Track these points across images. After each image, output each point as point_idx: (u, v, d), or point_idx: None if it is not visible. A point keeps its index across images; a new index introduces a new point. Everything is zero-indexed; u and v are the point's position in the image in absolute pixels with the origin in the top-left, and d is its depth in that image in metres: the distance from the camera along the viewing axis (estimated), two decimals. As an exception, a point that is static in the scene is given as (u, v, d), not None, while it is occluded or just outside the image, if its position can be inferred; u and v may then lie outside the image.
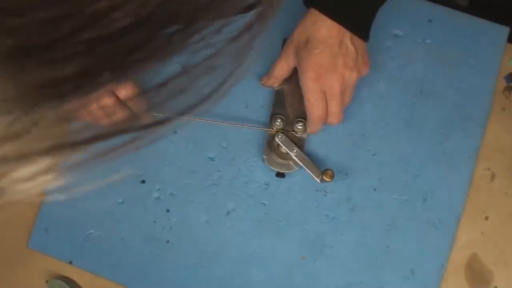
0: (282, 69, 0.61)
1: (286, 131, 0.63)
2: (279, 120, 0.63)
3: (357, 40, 0.57)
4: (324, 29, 0.55)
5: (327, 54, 0.55)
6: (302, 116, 0.63)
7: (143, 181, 0.67)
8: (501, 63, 0.65)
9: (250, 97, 0.66)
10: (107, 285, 0.66)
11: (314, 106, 0.58)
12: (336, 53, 0.55)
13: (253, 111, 0.66)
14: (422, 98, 0.65)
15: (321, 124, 0.61)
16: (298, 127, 0.63)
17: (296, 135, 0.63)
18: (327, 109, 0.59)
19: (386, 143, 0.64)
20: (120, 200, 0.67)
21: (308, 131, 0.62)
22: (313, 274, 0.63)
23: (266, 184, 0.65)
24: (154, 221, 0.66)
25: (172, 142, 0.67)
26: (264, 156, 0.64)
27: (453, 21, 0.66)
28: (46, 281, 0.67)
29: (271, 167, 0.64)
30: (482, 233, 0.63)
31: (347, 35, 0.56)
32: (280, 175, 0.64)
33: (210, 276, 0.64)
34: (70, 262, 0.67)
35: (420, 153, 0.64)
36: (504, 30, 0.65)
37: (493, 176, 0.64)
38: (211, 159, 0.66)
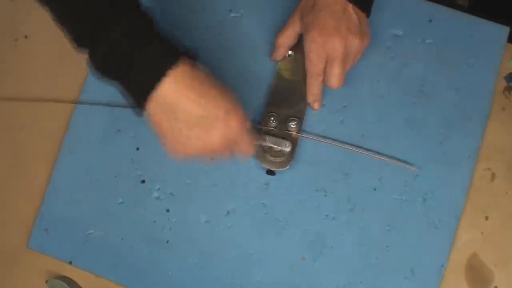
0: (287, 36, 0.63)
1: (280, 129, 0.64)
2: (272, 119, 0.64)
3: (359, 12, 0.59)
4: None
5: (331, 17, 0.58)
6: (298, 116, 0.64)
7: (143, 181, 0.67)
8: (501, 63, 0.65)
9: (250, 97, 0.66)
10: (107, 285, 0.66)
11: (314, 65, 0.60)
12: (340, 17, 0.58)
13: (252, 111, 0.66)
14: (422, 98, 0.65)
15: (319, 84, 0.62)
16: (292, 125, 0.63)
17: (290, 133, 0.64)
18: (326, 70, 0.60)
19: (386, 143, 0.64)
20: (120, 200, 0.67)
21: (308, 94, 0.63)
22: (313, 274, 0.63)
23: (266, 184, 0.65)
24: (154, 221, 0.66)
25: (172, 142, 0.67)
26: (255, 153, 0.64)
27: (453, 21, 0.66)
28: (46, 281, 0.67)
29: (262, 165, 0.64)
30: (482, 233, 0.63)
31: (350, 4, 0.58)
32: (270, 172, 0.64)
33: (210, 276, 0.64)
34: (70, 262, 0.67)
35: (420, 153, 0.64)
36: (504, 30, 0.65)
37: (493, 176, 0.64)
38: (211, 159, 0.66)
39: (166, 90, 0.50)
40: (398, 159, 0.63)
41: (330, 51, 0.58)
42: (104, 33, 0.49)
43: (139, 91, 0.51)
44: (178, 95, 0.50)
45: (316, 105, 0.64)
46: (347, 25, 0.58)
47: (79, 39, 0.51)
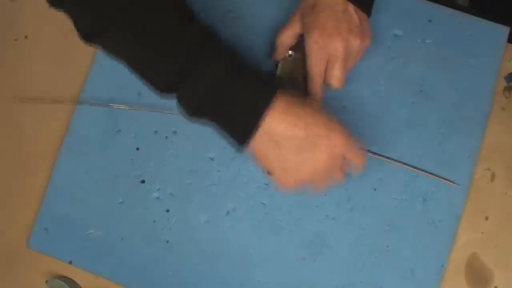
0: (287, 36, 0.63)
1: None
2: None
3: (360, 12, 0.59)
4: None
5: (332, 18, 0.58)
6: None
7: (143, 181, 0.67)
8: (501, 63, 0.65)
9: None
10: (107, 285, 0.66)
11: (316, 66, 0.60)
12: (341, 18, 0.58)
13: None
14: (422, 98, 0.65)
15: (321, 85, 0.62)
16: None
17: None
18: (327, 71, 0.60)
19: (386, 143, 0.64)
20: (120, 200, 0.67)
21: (310, 95, 0.63)
22: (313, 274, 0.63)
23: (266, 184, 0.65)
24: (154, 221, 0.66)
25: (172, 142, 0.67)
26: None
27: (453, 21, 0.66)
28: (46, 281, 0.67)
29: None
30: (482, 233, 0.63)
31: (350, 5, 0.58)
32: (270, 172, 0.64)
33: (210, 276, 0.64)
34: (70, 262, 0.67)
35: (420, 153, 0.64)
36: (504, 30, 0.65)
37: (493, 176, 0.64)
38: (211, 159, 0.66)
39: (268, 125, 0.51)
40: (436, 175, 0.63)
41: (331, 51, 0.58)
42: (194, 78, 0.50)
43: (240, 132, 0.52)
44: (280, 126, 0.51)
45: None
46: (347, 25, 0.58)
47: (163, 88, 0.52)
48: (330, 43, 0.58)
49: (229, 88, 0.50)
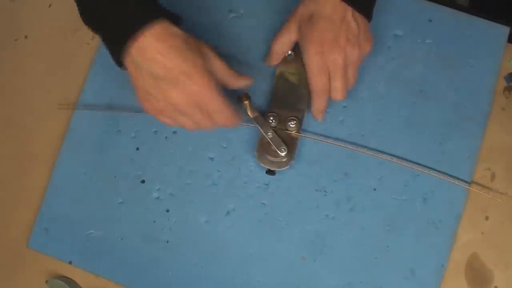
0: (283, 44, 0.62)
1: (279, 129, 0.64)
2: (271, 118, 0.63)
3: (360, 18, 0.58)
4: (328, 4, 0.56)
5: (329, 29, 0.57)
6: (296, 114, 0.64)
7: (143, 181, 0.67)
8: (501, 63, 0.65)
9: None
10: (107, 285, 0.66)
11: (318, 78, 0.59)
12: (339, 28, 0.57)
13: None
14: (422, 98, 0.65)
15: (325, 100, 0.61)
16: (291, 125, 0.63)
17: (290, 132, 0.64)
18: (329, 84, 0.60)
19: (386, 143, 0.64)
20: (120, 200, 0.67)
21: (313, 109, 0.63)
22: (313, 274, 0.63)
23: (266, 184, 0.65)
24: (154, 221, 0.66)
25: (172, 142, 0.67)
26: (255, 153, 0.64)
27: (453, 21, 0.66)
28: (46, 281, 0.67)
29: (261, 164, 0.64)
30: (482, 233, 0.63)
31: (349, 12, 0.57)
32: (270, 172, 0.64)
33: (210, 276, 0.64)
34: (70, 262, 0.67)
35: (420, 153, 0.64)
36: (504, 30, 0.65)
37: (493, 176, 0.64)
38: (211, 159, 0.66)
39: (139, 44, 0.51)
40: (447, 174, 0.63)
41: (330, 64, 0.58)
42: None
43: (115, 45, 0.53)
44: (150, 49, 0.51)
45: (320, 118, 0.64)
46: (346, 35, 0.57)
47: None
48: (329, 56, 0.57)
49: (112, 3, 0.51)
